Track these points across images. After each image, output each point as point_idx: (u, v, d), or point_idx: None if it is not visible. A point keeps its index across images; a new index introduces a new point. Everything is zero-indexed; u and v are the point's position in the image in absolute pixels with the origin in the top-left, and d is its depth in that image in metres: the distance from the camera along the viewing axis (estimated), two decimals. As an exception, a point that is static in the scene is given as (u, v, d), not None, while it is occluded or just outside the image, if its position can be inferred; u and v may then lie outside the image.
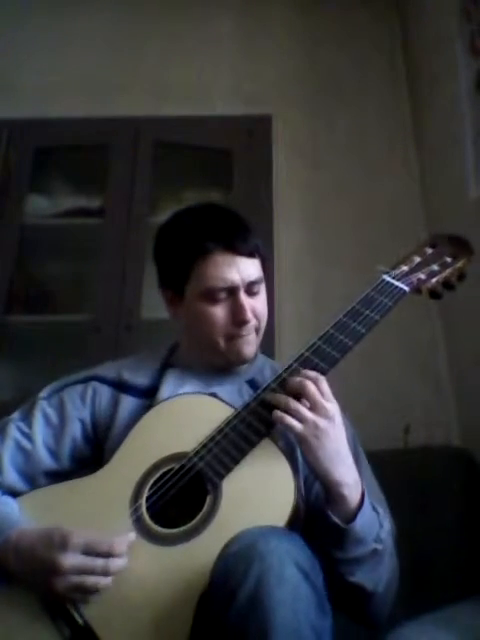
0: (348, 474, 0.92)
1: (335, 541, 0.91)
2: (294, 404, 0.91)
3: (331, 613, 0.81)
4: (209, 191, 2.23)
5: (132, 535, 0.89)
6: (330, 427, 0.91)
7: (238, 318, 1.07)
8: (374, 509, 0.96)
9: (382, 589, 0.95)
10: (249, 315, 1.07)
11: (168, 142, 2.28)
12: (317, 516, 0.94)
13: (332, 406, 0.93)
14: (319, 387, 0.93)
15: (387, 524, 0.97)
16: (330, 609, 0.81)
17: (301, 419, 0.90)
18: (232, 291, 1.07)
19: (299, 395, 0.93)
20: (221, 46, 2.52)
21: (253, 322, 1.09)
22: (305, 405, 0.92)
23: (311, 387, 0.92)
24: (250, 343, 1.10)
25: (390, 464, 1.11)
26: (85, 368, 1.20)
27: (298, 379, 0.94)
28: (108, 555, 0.86)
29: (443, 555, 1.33)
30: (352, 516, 0.91)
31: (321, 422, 0.90)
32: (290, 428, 0.91)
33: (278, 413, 0.92)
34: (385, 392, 1.93)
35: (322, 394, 0.93)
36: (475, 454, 1.52)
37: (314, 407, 0.91)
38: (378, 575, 0.94)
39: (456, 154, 1.82)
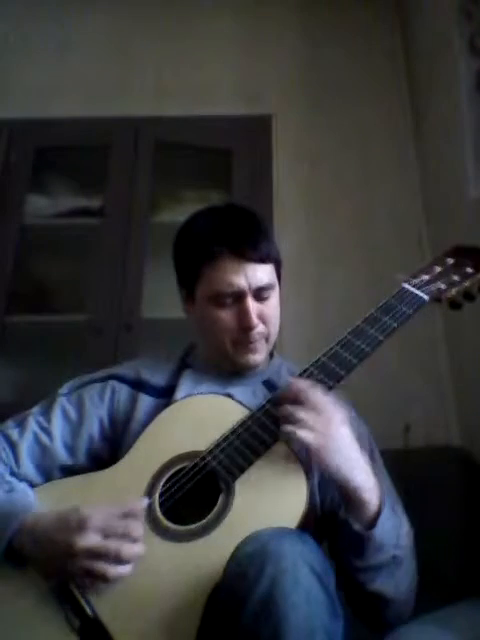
0: (364, 477, 0.91)
1: (355, 549, 0.90)
2: (299, 413, 0.90)
3: (343, 616, 0.81)
4: (209, 191, 2.23)
5: (145, 501, 0.91)
6: (337, 435, 0.90)
7: (243, 324, 1.06)
8: (393, 511, 0.95)
9: (402, 594, 0.95)
10: (254, 321, 1.06)
11: (168, 142, 2.28)
12: (334, 522, 0.94)
13: (333, 409, 0.92)
14: (315, 396, 0.92)
15: (406, 526, 0.97)
16: (342, 612, 0.81)
17: (308, 428, 0.90)
18: (239, 296, 1.06)
19: (300, 405, 0.92)
20: (221, 46, 2.52)
21: (259, 328, 1.08)
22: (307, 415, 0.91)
23: (310, 396, 0.92)
24: (257, 351, 1.10)
25: (390, 464, 1.11)
26: (85, 368, 1.21)
27: (295, 389, 0.93)
28: (124, 537, 0.86)
29: (443, 555, 1.33)
30: (373, 522, 0.90)
31: (327, 431, 0.89)
32: (302, 442, 0.89)
33: (288, 427, 0.91)
34: (385, 392, 1.93)
35: (322, 401, 0.92)
36: (475, 454, 1.52)
37: (319, 414, 0.90)
38: (397, 581, 0.94)
39: (456, 154, 1.82)
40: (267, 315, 1.09)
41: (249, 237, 1.08)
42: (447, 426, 1.88)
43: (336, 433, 0.90)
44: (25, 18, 2.58)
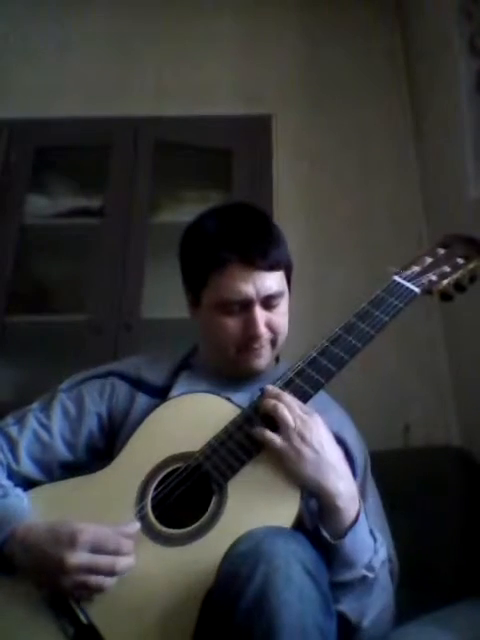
0: (341, 484, 0.89)
1: (325, 560, 0.86)
2: (275, 410, 0.91)
3: (336, 615, 0.81)
4: (209, 191, 2.23)
5: (137, 525, 0.90)
6: (310, 437, 0.90)
7: (249, 332, 1.05)
8: (372, 534, 0.93)
9: (367, 624, 0.90)
10: (261, 330, 1.05)
11: (168, 142, 2.28)
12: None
13: (309, 418, 0.92)
14: (291, 402, 0.93)
15: (383, 553, 0.94)
16: (335, 611, 0.81)
17: (281, 428, 0.90)
18: (246, 304, 1.05)
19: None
20: (221, 46, 2.52)
21: (267, 336, 1.07)
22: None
23: (286, 400, 0.93)
24: (261, 356, 1.09)
25: (390, 464, 1.10)
26: (85, 368, 1.21)
27: (272, 402, 0.93)
28: (116, 553, 0.86)
29: (443, 555, 1.33)
30: (344, 533, 0.88)
31: (299, 433, 0.90)
32: (270, 444, 0.90)
33: (259, 430, 0.92)
34: (385, 392, 1.93)
35: (298, 405, 0.93)
36: (475, 454, 1.52)
37: (295, 417, 0.91)
38: (364, 606, 0.90)
39: (456, 154, 1.82)
40: (275, 323, 1.08)
41: (259, 244, 1.05)
42: (447, 426, 1.88)
43: (307, 436, 0.90)
44: (25, 18, 2.58)
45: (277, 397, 0.93)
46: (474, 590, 1.17)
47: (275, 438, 0.90)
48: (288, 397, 0.93)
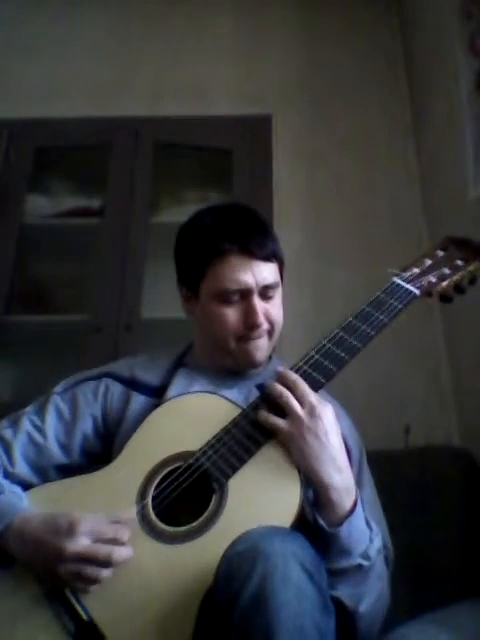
0: (338, 477, 0.90)
1: (320, 548, 0.87)
2: (286, 397, 0.92)
3: (334, 614, 0.81)
4: (209, 191, 2.23)
5: (133, 510, 0.90)
6: (318, 425, 0.91)
7: (250, 321, 1.06)
8: (367, 524, 0.94)
9: (363, 610, 0.91)
10: (261, 319, 1.06)
11: (168, 142, 2.28)
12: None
13: (321, 406, 0.93)
14: (304, 387, 0.93)
15: (378, 542, 0.94)
16: (334, 610, 0.81)
17: (289, 413, 0.91)
18: (245, 294, 1.07)
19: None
20: (221, 46, 2.52)
21: (265, 326, 1.09)
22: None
23: (301, 385, 0.93)
24: (260, 347, 1.10)
25: (390, 464, 1.10)
26: (85, 368, 1.21)
27: (292, 378, 0.94)
28: (113, 542, 0.86)
29: (443, 555, 1.33)
30: (340, 523, 0.89)
31: (308, 420, 0.90)
32: (275, 427, 0.91)
33: (263, 414, 0.93)
34: (385, 392, 1.93)
35: (308, 393, 0.93)
36: (475, 454, 1.52)
37: (303, 404, 0.92)
38: (360, 593, 0.90)
39: (456, 154, 1.82)
40: (272, 314, 1.10)
41: (256, 235, 1.08)
42: (447, 426, 1.88)
43: (314, 424, 0.90)
44: (25, 18, 2.58)
45: (291, 382, 0.94)
46: (474, 590, 1.17)
47: (280, 422, 0.91)
48: (302, 383, 0.94)
